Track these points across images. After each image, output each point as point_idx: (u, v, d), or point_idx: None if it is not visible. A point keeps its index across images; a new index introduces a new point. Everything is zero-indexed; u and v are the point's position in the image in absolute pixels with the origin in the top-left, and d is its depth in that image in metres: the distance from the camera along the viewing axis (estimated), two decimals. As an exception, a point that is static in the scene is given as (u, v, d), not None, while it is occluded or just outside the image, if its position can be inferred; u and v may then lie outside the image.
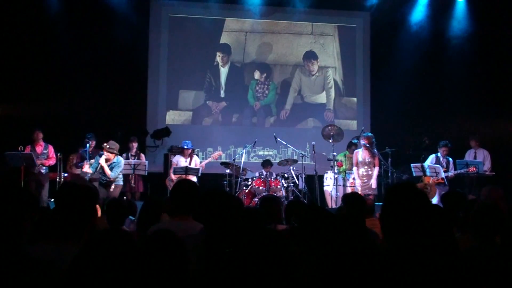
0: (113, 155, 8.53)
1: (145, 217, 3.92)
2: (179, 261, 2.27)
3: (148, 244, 2.32)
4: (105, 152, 8.44)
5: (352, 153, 9.71)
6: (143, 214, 4.01)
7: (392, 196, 2.29)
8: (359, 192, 8.22)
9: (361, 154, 9.04)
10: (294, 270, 1.55)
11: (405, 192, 2.37)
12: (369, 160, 9.00)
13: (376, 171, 9.02)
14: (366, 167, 9.00)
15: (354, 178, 9.26)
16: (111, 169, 8.47)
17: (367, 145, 8.96)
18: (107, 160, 8.46)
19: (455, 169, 9.42)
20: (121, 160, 8.69)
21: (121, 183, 8.81)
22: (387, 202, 2.29)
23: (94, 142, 9.65)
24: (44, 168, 9.28)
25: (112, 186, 8.55)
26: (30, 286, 2.01)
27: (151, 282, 2.16)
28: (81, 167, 9.18)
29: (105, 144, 8.47)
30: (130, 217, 4.73)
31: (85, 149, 9.21)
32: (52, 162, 9.40)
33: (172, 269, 2.24)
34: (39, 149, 9.27)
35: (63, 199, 2.40)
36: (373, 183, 8.94)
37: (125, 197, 9.58)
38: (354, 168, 9.09)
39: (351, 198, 4.71)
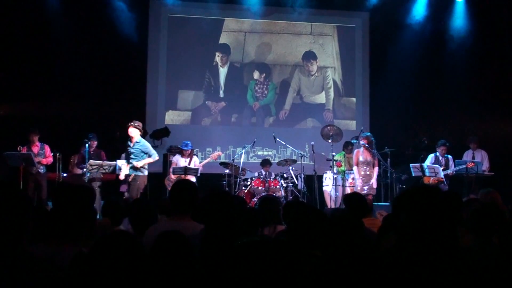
0: (139, 132, 8.29)
1: (137, 218, 3.79)
2: (187, 261, 2.27)
3: (158, 245, 2.32)
4: (130, 129, 8.20)
5: (349, 153, 9.72)
6: (135, 215, 3.89)
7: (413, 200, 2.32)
8: (359, 192, 8.22)
9: (362, 154, 9.05)
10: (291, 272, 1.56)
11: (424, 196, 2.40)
12: (370, 160, 9.01)
13: (376, 171, 9.05)
14: (366, 167, 9.00)
15: (353, 178, 9.27)
16: (142, 151, 8.24)
17: (367, 145, 8.97)
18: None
19: (454, 166, 9.44)
20: (145, 141, 8.45)
21: (146, 173, 8.38)
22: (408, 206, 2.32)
23: (95, 142, 9.67)
24: (42, 167, 9.31)
25: (132, 176, 8.22)
26: (32, 284, 2.02)
27: (159, 282, 2.16)
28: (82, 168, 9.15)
29: (130, 123, 8.31)
30: None
31: (85, 149, 9.21)
32: (49, 161, 9.43)
33: (180, 269, 2.24)
34: (35, 149, 9.31)
35: (61, 200, 2.40)
36: (374, 183, 8.98)
37: (124, 197, 9.58)
38: (355, 168, 9.09)
39: (352, 199, 4.71)
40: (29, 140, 9.30)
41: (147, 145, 8.36)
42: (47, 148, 9.43)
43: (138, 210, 3.83)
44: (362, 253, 1.77)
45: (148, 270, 1.93)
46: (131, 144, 8.24)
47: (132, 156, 8.27)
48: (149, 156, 8.28)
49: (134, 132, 8.21)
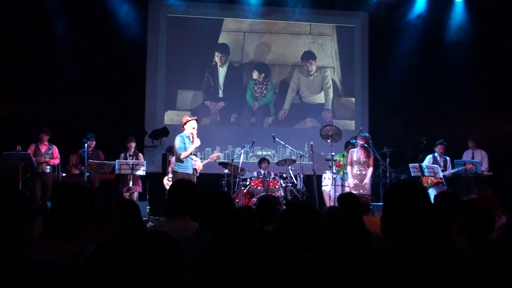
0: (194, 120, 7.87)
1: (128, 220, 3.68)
2: (175, 264, 2.26)
3: (142, 246, 2.31)
4: (194, 123, 7.79)
5: (350, 153, 9.71)
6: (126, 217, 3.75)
7: (394, 196, 2.29)
8: (352, 191, 8.17)
9: (356, 153, 9.02)
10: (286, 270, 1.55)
11: (408, 191, 2.37)
12: (364, 160, 8.97)
13: (370, 171, 8.98)
14: (359, 166, 8.96)
15: (348, 177, 9.25)
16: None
17: (365, 145, 8.95)
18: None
19: (452, 168, 9.44)
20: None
21: (190, 171, 7.86)
22: (389, 202, 2.29)
23: (94, 142, 9.68)
24: (48, 167, 9.40)
25: (194, 176, 8.09)
26: (27, 286, 2.02)
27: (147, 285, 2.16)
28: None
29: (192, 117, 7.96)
30: None
31: (84, 149, 9.22)
32: (57, 161, 9.53)
33: (168, 272, 2.23)
34: (43, 148, 9.43)
35: (59, 199, 2.40)
36: (367, 183, 8.89)
37: (123, 197, 9.58)
38: (348, 167, 9.07)
39: (346, 198, 4.72)
40: (38, 138, 9.40)
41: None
42: (55, 149, 9.52)
43: (124, 212, 3.75)
44: (359, 255, 1.76)
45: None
46: (191, 141, 7.80)
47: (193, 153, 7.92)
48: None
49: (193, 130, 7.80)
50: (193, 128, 7.77)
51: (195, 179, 8.06)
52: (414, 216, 2.16)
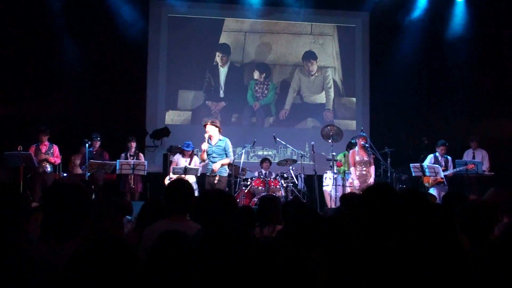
0: (218, 130, 7.91)
1: (146, 217, 3.83)
2: (188, 262, 2.26)
3: (159, 245, 2.32)
4: (209, 127, 7.82)
5: (353, 153, 9.71)
6: (144, 214, 3.93)
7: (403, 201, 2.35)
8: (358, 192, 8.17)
9: (358, 154, 9.03)
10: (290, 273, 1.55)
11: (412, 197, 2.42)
12: (366, 159, 8.99)
13: (373, 170, 9.02)
14: (362, 166, 8.97)
15: (353, 178, 9.25)
16: (224, 150, 7.90)
17: (366, 144, 8.97)
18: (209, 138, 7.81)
19: (454, 167, 9.43)
20: (228, 139, 8.01)
21: (226, 174, 8.04)
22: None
23: (98, 143, 9.69)
24: (49, 167, 9.42)
25: (216, 178, 7.85)
26: (27, 286, 2.01)
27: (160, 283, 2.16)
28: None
29: (208, 121, 7.95)
30: (127, 216, 4.72)
31: (86, 149, 9.21)
32: (58, 160, 9.54)
33: (181, 270, 2.23)
34: (43, 149, 9.45)
35: (51, 200, 2.39)
36: (372, 183, 8.89)
37: (125, 197, 9.58)
38: (352, 168, 9.05)
39: (350, 198, 4.71)
40: (38, 139, 9.41)
41: (229, 143, 8.09)
42: (55, 149, 9.54)
43: (149, 209, 3.85)
44: (362, 255, 1.76)
45: (142, 274, 1.93)
46: (212, 143, 7.93)
47: (213, 155, 7.94)
48: (227, 155, 8.01)
49: (213, 130, 7.92)
50: (207, 132, 7.94)
51: (215, 181, 7.90)
52: (420, 217, 2.17)
